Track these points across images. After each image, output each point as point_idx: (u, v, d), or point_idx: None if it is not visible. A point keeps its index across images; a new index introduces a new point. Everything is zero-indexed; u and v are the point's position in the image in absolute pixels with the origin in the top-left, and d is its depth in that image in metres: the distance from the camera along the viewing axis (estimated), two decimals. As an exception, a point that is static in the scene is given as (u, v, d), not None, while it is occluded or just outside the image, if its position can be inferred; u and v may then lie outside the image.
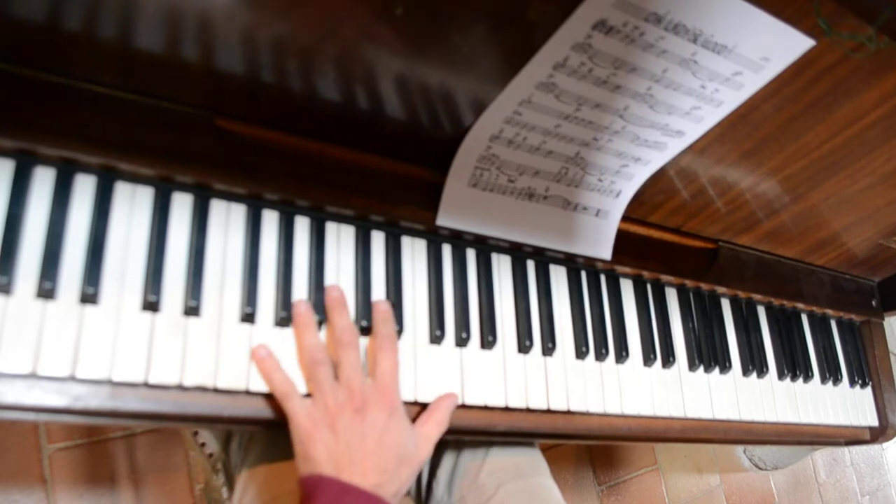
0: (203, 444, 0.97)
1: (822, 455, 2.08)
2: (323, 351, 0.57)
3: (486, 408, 0.68)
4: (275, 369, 0.55)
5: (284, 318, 0.58)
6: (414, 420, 0.61)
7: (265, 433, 0.71)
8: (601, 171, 0.70)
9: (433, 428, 0.60)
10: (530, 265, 0.76)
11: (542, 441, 0.86)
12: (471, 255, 0.72)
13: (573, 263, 0.79)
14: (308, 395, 0.57)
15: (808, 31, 0.57)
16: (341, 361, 0.56)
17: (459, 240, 0.71)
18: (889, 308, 1.10)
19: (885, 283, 1.10)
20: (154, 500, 1.08)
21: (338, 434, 0.54)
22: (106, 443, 1.07)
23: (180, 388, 0.53)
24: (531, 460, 0.81)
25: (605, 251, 0.78)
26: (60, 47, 0.50)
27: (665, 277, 0.86)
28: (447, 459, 0.79)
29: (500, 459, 0.79)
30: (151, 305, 0.53)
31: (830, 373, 1.02)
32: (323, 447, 0.53)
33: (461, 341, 0.67)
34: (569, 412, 0.73)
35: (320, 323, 0.60)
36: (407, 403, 0.63)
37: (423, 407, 0.63)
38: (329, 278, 0.62)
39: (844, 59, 0.61)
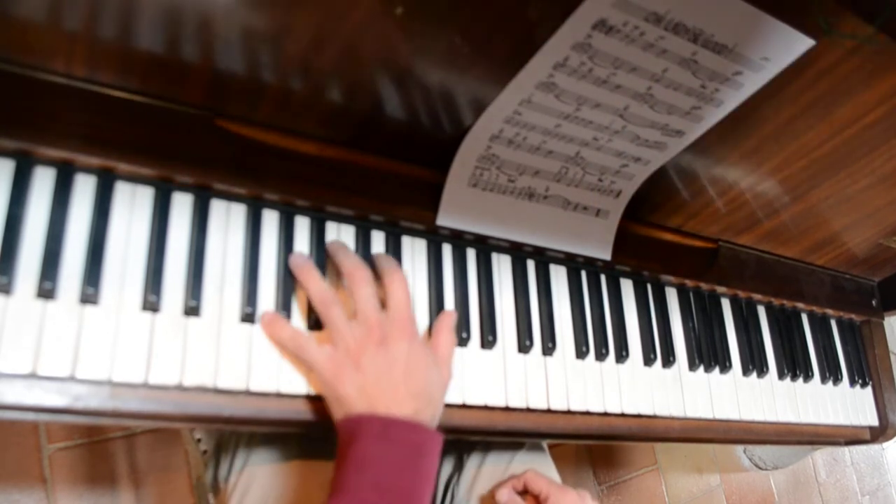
0: (199, 440, 0.97)
1: (822, 455, 2.08)
2: (332, 292, 0.56)
3: (486, 407, 0.68)
4: (283, 327, 0.56)
5: (285, 318, 0.58)
6: None
7: (266, 435, 0.71)
8: (601, 170, 0.70)
9: (446, 348, 0.60)
10: (530, 265, 0.76)
11: (541, 441, 0.87)
12: (471, 254, 0.72)
13: (573, 263, 0.79)
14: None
15: (808, 31, 0.57)
16: (356, 297, 0.56)
17: (459, 239, 0.71)
18: (889, 308, 1.10)
19: (885, 282, 1.11)
20: (154, 500, 1.08)
21: (364, 369, 0.53)
22: (106, 443, 1.07)
23: (180, 388, 0.53)
24: (551, 473, 0.82)
25: (605, 251, 0.78)
26: (60, 47, 0.50)
27: (665, 277, 0.86)
28: (470, 465, 0.80)
29: (523, 469, 0.79)
30: (151, 305, 0.53)
31: (830, 372, 1.02)
32: (352, 385, 0.53)
33: (461, 341, 0.67)
34: (569, 412, 0.73)
35: (320, 323, 0.60)
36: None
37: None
38: (329, 278, 0.62)
39: (844, 59, 0.61)
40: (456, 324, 0.64)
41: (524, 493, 0.73)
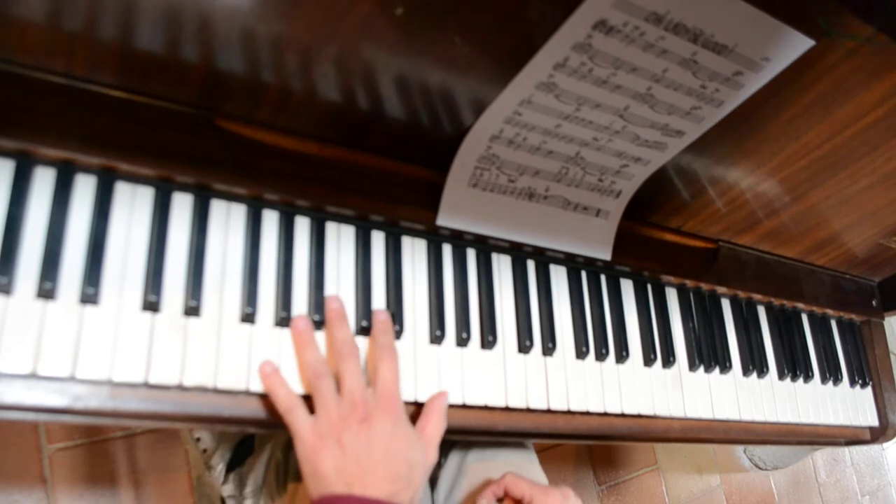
0: (198, 439, 0.97)
1: (822, 455, 2.08)
2: (325, 364, 0.57)
3: (486, 408, 0.68)
4: (280, 385, 0.55)
5: (284, 318, 0.58)
6: (413, 423, 0.61)
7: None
8: (601, 171, 0.70)
9: (434, 430, 0.60)
10: (530, 265, 0.76)
11: (542, 441, 0.86)
12: (471, 254, 0.72)
13: (573, 263, 0.79)
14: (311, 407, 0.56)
15: (808, 31, 0.57)
16: (343, 372, 0.56)
17: (459, 240, 0.71)
18: (889, 308, 1.10)
19: (885, 283, 1.11)
20: (154, 500, 1.08)
21: (345, 447, 0.53)
22: (106, 443, 1.07)
23: (180, 388, 0.53)
24: (535, 471, 0.81)
25: (605, 251, 0.78)
26: (60, 47, 0.50)
27: (665, 277, 0.86)
28: (450, 465, 0.79)
29: (507, 468, 0.79)
30: (151, 305, 0.53)
31: (830, 373, 1.02)
32: (331, 462, 0.53)
33: (461, 341, 0.67)
34: (569, 412, 0.73)
35: (319, 324, 0.60)
36: (407, 403, 0.63)
37: (420, 407, 0.63)
38: (329, 278, 0.62)
39: (844, 59, 0.61)
40: (447, 403, 0.63)
41: (504, 498, 0.72)
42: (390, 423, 0.55)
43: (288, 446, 0.78)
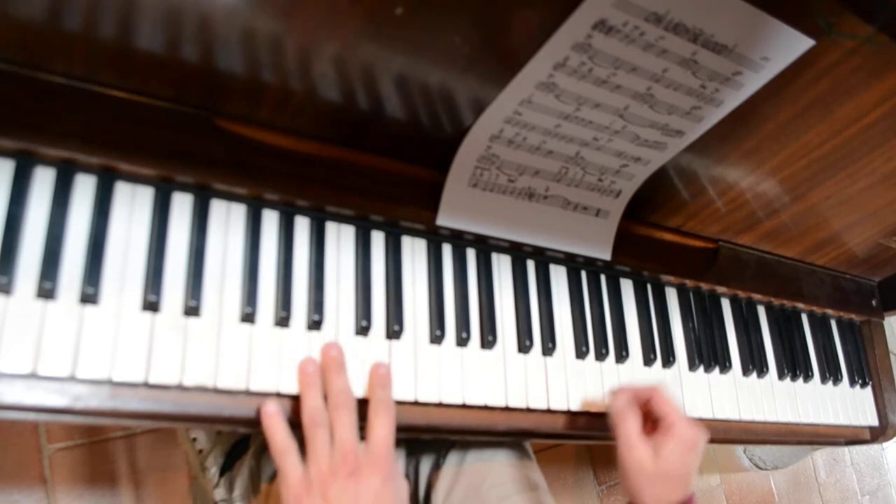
0: (194, 440, 0.97)
1: (822, 455, 2.08)
2: (323, 413, 0.56)
3: (486, 408, 0.68)
4: (279, 429, 0.55)
5: (284, 318, 0.58)
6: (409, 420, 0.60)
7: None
8: (601, 170, 0.70)
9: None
10: (530, 265, 0.76)
11: (542, 441, 0.86)
12: (471, 254, 0.72)
13: (573, 263, 0.79)
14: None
15: (808, 31, 0.57)
16: (336, 423, 0.56)
17: (459, 240, 0.71)
18: (889, 308, 1.10)
19: (885, 282, 1.11)
20: (154, 500, 1.08)
21: (329, 500, 0.53)
22: (106, 443, 1.07)
23: (180, 388, 0.53)
24: (534, 476, 0.81)
25: (605, 251, 0.78)
26: (60, 47, 0.50)
27: (665, 277, 0.86)
28: (449, 466, 0.79)
29: (505, 472, 0.79)
30: (151, 305, 0.53)
31: (830, 373, 1.02)
32: None
33: (461, 341, 0.67)
34: (569, 412, 0.73)
35: (318, 323, 0.60)
36: (407, 404, 0.63)
37: (424, 406, 0.64)
38: (329, 278, 0.62)
39: (844, 59, 0.61)
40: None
41: (645, 411, 0.70)
42: (379, 480, 0.55)
43: (260, 450, 0.78)
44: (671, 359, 0.82)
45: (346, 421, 0.56)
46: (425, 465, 0.80)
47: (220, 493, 0.87)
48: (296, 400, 0.58)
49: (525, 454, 0.84)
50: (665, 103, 0.62)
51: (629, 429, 0.67)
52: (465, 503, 0.76)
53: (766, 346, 0.95)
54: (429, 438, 0.78)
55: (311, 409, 0.56)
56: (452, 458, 0.79)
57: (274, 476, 0.72)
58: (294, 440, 0.56)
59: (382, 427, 0.57)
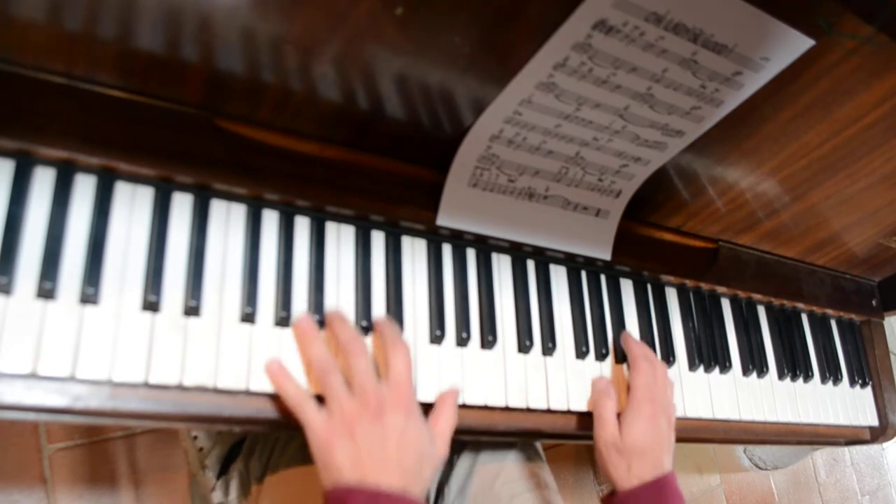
0: (195, 437, 0.97)
1: (822, 455, 2.08)
2: (332, 360, 0.56)
3: (486, 407, 0.68)
4: (288, 381, 0.55)
5: (284, 317, 0.58)
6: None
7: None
8: (601, 170, 0.70)
9: (445, 425, 0.60)
10: (530, 265, 0.76)
11: (542, 441, 0.87)
12: (471, 254, 0.72)
13: (573, 263, 0.79)
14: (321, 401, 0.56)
15: (808, 31, 0.57)
16: (352, 370, 0.56)
17: (459, 239, 0.71)
18: (889, 308, 1.10)
19: (885, 282, 1.11)
20: (154, 500, 1.08)
21: (357, 441, 0.53)
22: (106, 443, 1.07)
23: (180, 388, 0.53)
24: (544, 475, 0.82)
25: (605, 251, 0.78)
26: (60, 47, 0.50)
27: (665, 277, 0.86)
28: (461, 465, 0.80)
29: (516, 471, 0.79)
30: (151, 305, 0.53)
31: (830, 373, 1.02)
32: (344, 455, 0.53)
33: (461, 341, 0.67)
34: (569, 412, 0.73)
35: (320, 324, 0.60)
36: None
37: (424, 406, 0.63)
38: (329, 278, 0.62)
39: (844, 59, 0.61)
40: (457, 401, 0.64)
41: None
42: (402, 416, 0.55)
43: (249, 453, 0.78)
44: (671, 359, 0.82)
45: (363, 366, 0.56)
46: None
47: (217, 497, 0.88)
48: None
49: (536, 454, 0.85)
50: (665, 103, 0.62)
51: (604, 408, 0.70)
52: (478, 500, 0.76)
53: (766, 346, 0.95)
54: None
55: (320, 358, 0.56)
56: (465, 458, 0.80)
57: (262, 477, 0.72)
58: (307, 391, 0.56)
59: (400, 363, 0.58)
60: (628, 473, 0.67)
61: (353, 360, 0.56)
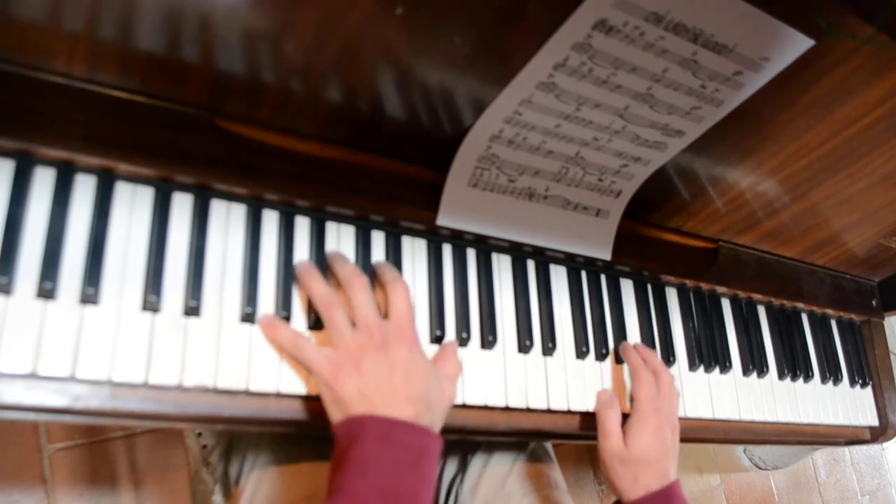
0: (199, 434, 0.97)
1: (822, 455, 2.08)
2: (334, 295, 0.57)
3: (486, 407, 0.68)
4: (282, 328, 0.56)
5: (285, 318, 0.58)
6: None
7: (276, 435, 0.71)
8: (601, 170, 0.70)
9: (451, 369, 0.60)
10: (530, 265, 0.76)
11: (541, 441, 0.87)
12: (471, 254, 0.72)
13: (573, 263, 0.79)
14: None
15: (808, 31, 0.57)
16: (355, 304, 0.56)
17: (459, 239, 0.71)
18: (889, 308, 1.10)
19: (885, 282, 1.11)
20: (154, 500, 1.08)
21: (364, 372, 0.53)
22: (106, 443, 1.07)
23: (180, 388, 0.53)
24: (555, 475, 0.82)
25: (605, 251, 0.78)
26: (60, 47, 0.50)
27: (665, 277, 0.86)
28: (474, 465, 0.80)
29: (528, 469, 0.80)
30: (151, 305, 0.53)
31: (830, 373, 1.02)
32: (353, 386, 0.53)
33: (461, 341, 0.67)
34: (569, 412, 0.73)
35: (319, 322, 0.60)
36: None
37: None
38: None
39: (844, 59, 0.61)
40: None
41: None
42: (406, 349, 0.56)
43: (227, 456, 0.78)
44: (671, 359, 0.82)
45: (365, 299, 0.56)
46: (451, 464, 0.81)
47: (217, 500, 0.88)
48: (298, 399, 0.58)
49: (546, 455, 0.85)
50: (665, 103, 0.62)
51: (608, 419, 0.70)
52: (489, 499, 0.77)
53: (766, 346, 0.95)
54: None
55: (321, 293, 0.57)
56: (478, 458, 0.81)
57: (239, 478, 0.72)
58: (303, 334, 0.56)
59: (400, 299, 0.58)
60: (634, 485, 0.67)
61: (353, 294, 0.56)
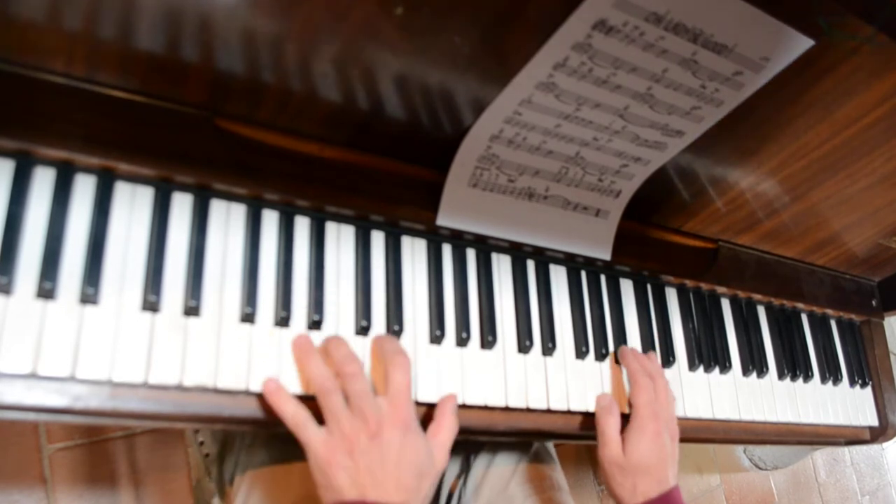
0: (202, 443, 0.97)
1: (822, 455, 2.08)
2: (332, 379, 0.56)
3: (486, 407, 0.68)
4: (286, 402, 0.55)
5: (284, 317, 0.58)
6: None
7: (269, 435, 0.71)
8: (601, 170, 0.70)
9: (445, 435, 0.60)
10: (530, 265, 0.76)
11: (541, 441, 0.87)
12: (471, 254, 0.72)
13: (573, 263, 0.79)
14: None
15: (808, 31, 0.57)
16: (350, 392, 0.56)
17: (459, 239, 0.71)
18: (889, 308, 1.10)
19: (885, 282, 1.10)
20: (154, 500, 1.08)
21: (357, 460, 0.54)
22: (106, 443, 1.07)
23: (180, 388, 0.53)
24: (557, 477, 0.82)
25: (605, 251, 0.78)
26: (60, 47, 0.50)
27: (665, 277, 0.86)
28: (478, 466, 0.80)
29: (531, 471, 0.80)
30: (151, 305, 0.53)
31: (830, 373, 1.02)
32: (344, 473, 0.54)
33: (461, 341, 0.67)
34: (569, 412, 0.73)
35: (318, 323, 0.60)
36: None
37: (424, 406, 0.63)
38: (329, 278, 0.62)
39: (844, 59, 0.61)
40: (457, 405, 0.64)
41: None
42: (400, 433, 0.56)
43: (222, 458, 0.78)
44: (671, 359, 0.82)
45: (359, 388, 0.56)
46: (454, 465, 0.81)
47: (213, 502, 0.88)
48: (298, 399, 0.58)
49: (549, 456, 0.85)
50: (665, 103, 0.62)
51: (607, 425, 0.70)
52: (492, 500, 0.77)
53: (766, 346, 0.95)
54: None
55: (319, 377, 0.56)
56: (481, 459, 0.81)
57: (233, 478, 0.72)
58: (306, 409, 0.56)
59: (399, 377, 0.58)
60: (633, 492, 0.67)
61: (348, 382, 0.56)
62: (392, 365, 0.58)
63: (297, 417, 0.55)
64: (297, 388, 0.57)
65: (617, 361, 0.78)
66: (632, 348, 0.78)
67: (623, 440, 0.69)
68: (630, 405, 0.72)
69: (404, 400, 0.57)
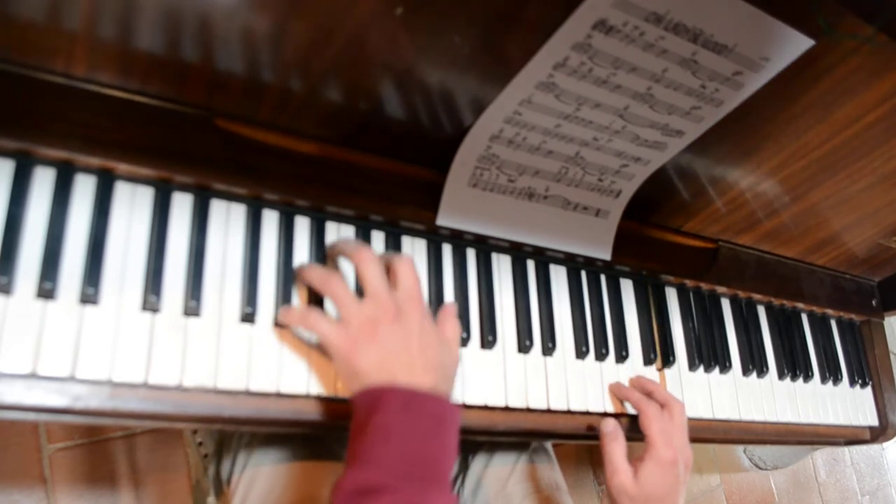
0: (200, 444, 0.97)
1: (822, 455, 2.08)
2: (330, 271, 0.57)
3: (486, 407, 0.68)
4: (293, 308, 0.56)
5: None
6: None
7: (268, 435, 0.71)
8: (601, 170, 0.70)
9: (452, 333, 0.60)
10: (530, 265, 0.76)
11: (541, 441, 0.87)
12: (471, 254, 0.72)
13: (573, 263, 0.79)
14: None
15: (808, 31, 0.57)
16: (364, 276, 0.56)
17: (459, 239, 0.71)
18: (889, 308, 1.10)
19: (885, 282, 1.10)
20: (154, 500, 1.08)
21: (381, 343, 0.54)
22: (106, 443, 1.07)
23: (180, 388, 0.53)
24: (556, 476, 0.82)
25: (605, 251, 0.78)
26: (60, 47, 0.50)
27: (665, 277, 0.86)
28: (476, 466, 0.80)
29: (529, 470, 0.80)
30: (151, 305, 0.53)
31: (830, 373, 1.02)
32: (370, 357, 0.53)
33: (461, 341, 0.67)
34: (569, 412, 0.73)
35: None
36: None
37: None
38: (329, 278, 0.62)
39: (844, 59, 0.61)
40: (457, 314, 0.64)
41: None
42: (418, 318, 0.56)
43: (219, 458, 0.78)
44: (671, 359, 0.82)
45: (374, 271, 0.56)
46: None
47: (210, 501, 0.88)
48: (298, 399, 0.58)
49: (547, 456, 0.85)
50: (665, 103, 0.62)
51: (613, 453, 0.69)
52: (491, 500, 0.77)
53: (766, 346, 0.95)
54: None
55: (319, 273, 0.57)
56: (479, 459, 0.81)
57: (231, 478, 0.72)
58: (314, 308, 0.56)
59: (408, 272, 0.58)
60: None
61: (363, 266, 0.56)
62: (399, 265, 0.58)
63: (309, 315, 0.55)
64: (300, 387, 0.57)
65: (617, 361, 0.78)
66: (635, 377, 0.77)
67: (636, 469, 0.68)
68: (643, 430, 0.70)
69: (416, 292, 0.57)
